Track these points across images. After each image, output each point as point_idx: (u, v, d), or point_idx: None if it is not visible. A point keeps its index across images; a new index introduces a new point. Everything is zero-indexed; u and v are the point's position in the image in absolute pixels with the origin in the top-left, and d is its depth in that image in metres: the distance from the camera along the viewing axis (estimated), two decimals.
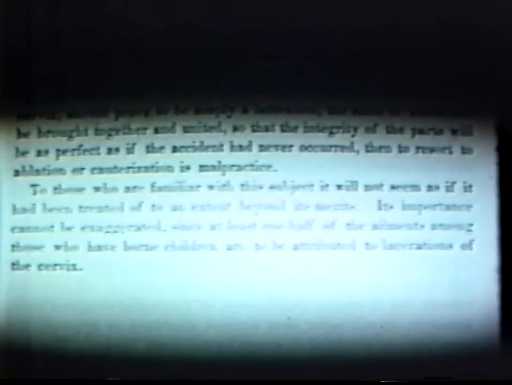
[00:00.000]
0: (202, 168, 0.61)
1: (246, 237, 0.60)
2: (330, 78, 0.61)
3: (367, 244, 0.60)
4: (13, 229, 0.61)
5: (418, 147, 0.61)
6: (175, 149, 0.61)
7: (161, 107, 0.61)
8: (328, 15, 0.61)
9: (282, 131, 0.61)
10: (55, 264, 0.61)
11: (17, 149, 0.62)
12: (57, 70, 0.62)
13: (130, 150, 0.61)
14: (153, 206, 0.61)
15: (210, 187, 0.60)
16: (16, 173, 0.62)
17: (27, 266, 0.61)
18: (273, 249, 0.60)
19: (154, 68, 0.61)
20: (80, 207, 0.61)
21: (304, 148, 0.61)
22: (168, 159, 0.61)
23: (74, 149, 0.61)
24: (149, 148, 0.61)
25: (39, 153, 0.62)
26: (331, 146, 0.61)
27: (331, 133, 0.61)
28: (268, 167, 0.61)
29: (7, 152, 0.62)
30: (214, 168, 0.61)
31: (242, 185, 0.60)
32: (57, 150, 0.61)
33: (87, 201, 0.61)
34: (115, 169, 0.61)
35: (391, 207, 0.61)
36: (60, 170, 0.61)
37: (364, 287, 0.60)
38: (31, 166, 0.62)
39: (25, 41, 0.62)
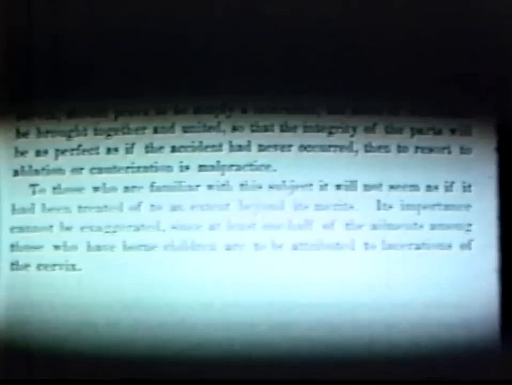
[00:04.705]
0: (202, 168, 0.61)
1: (245, 237, 0.60)
2: (329, 78, 0.61)
3: (366, 244, 0.60)
4: (12, 229, 0.61)
5: (417, 147, 0.61)
6: (174, 149, 0.61)
7: (160, 107, 0.61)
8: (328, 15, 0.61)
9: (282, 131, 0.61)
10: (54, 264, 0.61)
11: (16, 149, 0.62)
12: (56, 70, 0.62)
13: (129, 150, 0.61)
14: (152, 206, 0.61)
15: (210, 187, 0.61)
16: (15, 173, 0.62)
17: (26, 266, 0.61)
18: (272, 249, 0.60)
19: (153, 68, 0.61)
20: (80, 207, 0.61)
21: (303, 148, 0.61)
22: (167, 158, 0.61)
23: (73, 149, 0.61)
24: (149, 148, 0.61)
25: (38, 153, 0.62)
26: (330, 146, 0.61)
27: (330, 133, 0.61)
28: (267, 166, 0.61)
29: (6, 152, 0.62)
30: (213, 168, 0.61)
31: (241, 185, 0.60)
32: (57, 150, 0.61)
33: (87, 201, 0.61)
34: (114, 169, 0.61)
35: (390, 207, 0.60)
36: (59, 170, 0.61)
37: (363, 287, 0.60)
38: (30, 166, 0.62)
39: (25, 41, 0.62)
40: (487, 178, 0.61)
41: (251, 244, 0.60)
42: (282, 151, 0.61)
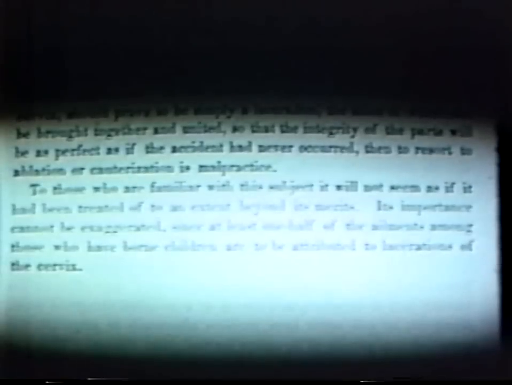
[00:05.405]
0: (202, 168, 0.61)
1: (246, 237, 0.60)
2: (329, 79, 0.61)
3: (367, 244, 0.60)
4: (12, 229, 0.61)
5: (417, 148, 0.61)
6: (174, 149, 0.61)
7: (161, 107, 0.61)
8: (329, 15, 0.61)
9: (282, 131, 0.61)
10: (55, 265, 0.61)
11: (17, 149, 0.62)
12: (57, 70, 0.62)
13: (129, 150, 0.61)
14: (153, 206, 0.61)
15: (210, 187, 0.60)
16: (16, 173, 0.62)
17: (27, 266, 0.61)
18: (273, 250, 0.60)
19: (154, 68, 0.61)
20: (80, 207, 0.61)
21: (303, 148, 0.61)
22: (167, 159, 0.61)
23: (73, 150, 0.61)
24: (149, 149, 0.61)
25: (38, 153, 0.62)
26: (330, 146, 0.61)
27: (331, 133, 0.61)
28: (268, 167, 0.61)
29: (7, 152, 0.62)
30: (213, 168, 0.61)
31: (242, 185, 0.60)
32: (57, 150, 0.61)
33: (87, 201, 0.61)
34: (114, 169, 0.61)
35: (391, 208, 0.61)
36: (60, 170, 0.61)
37: (364, 288, 0.60)
38: (31, 166, 0.62)
39: (25, 41, 0.62)
40: (487, 179, 0.61)
41: (251, 244, 0.60)
42: (283, 151, 0.61)
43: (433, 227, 0.61)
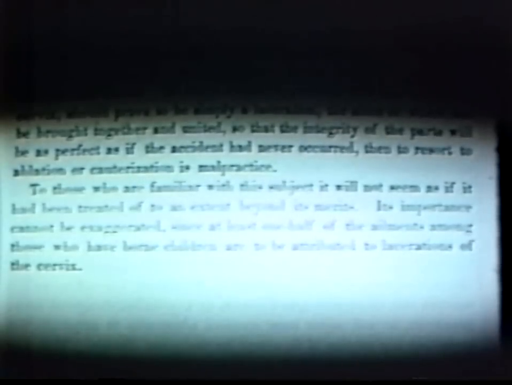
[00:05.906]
0: (202, 168, 0.61)
1: (246, 237, 0.60)
2: (329, 79, 0.61)
3: (366, 244, 0.60)
4: (12, 229, 0.61)
5: (417, 148, 0.61)
6: (174, 149, 0.61)
7: (161, 107, 0.61)
8: (328, 15, 0.61)
9: (282, 131, 0.61)
10: (55, 264, 0.61)
11: (16, 149, 0.62)
12: (57, 70, 0.62)
13: (129, 150, 0.61)
14: (153, 206, 0.61)
15: (210, 187, 0.60)
16: (16, 173, 0.62)
17: (26, 266, 0.61)
18: (272, 250, 0.60)
19: (154, 68, 0.61)
20: (80, 207, 0.61)
21: (303, 148, 0.61)
22: (167, 159, 0.61)
23: (73, 149, 0.61)
24: (149, 148, 0.61)
25: (38, 153, 0.62)
26: (330, 146, 0.61)
27: (331, 133, 0.61)
28: (268, 167, 0.61)
29: (7, 151, 0.62)
30: (213, 168, 0.61)
31: (241, 185, 0.60)
32: (57, 150, 0.61)
33: (87, 201, 0.61)
34: (114, 169, 0.61)
35: (390, 208, 0.61)
36: (60, 170, 0.61)
37: (364, 288, 0.60)
38: (31, 166, 0.62)
39: (25, 41, 0.62)
40: (487, 179, 0.61)
41: (251, 244, 0.60)
42: (282, 151, 0.61)
43: (433, 227, 0.61)
